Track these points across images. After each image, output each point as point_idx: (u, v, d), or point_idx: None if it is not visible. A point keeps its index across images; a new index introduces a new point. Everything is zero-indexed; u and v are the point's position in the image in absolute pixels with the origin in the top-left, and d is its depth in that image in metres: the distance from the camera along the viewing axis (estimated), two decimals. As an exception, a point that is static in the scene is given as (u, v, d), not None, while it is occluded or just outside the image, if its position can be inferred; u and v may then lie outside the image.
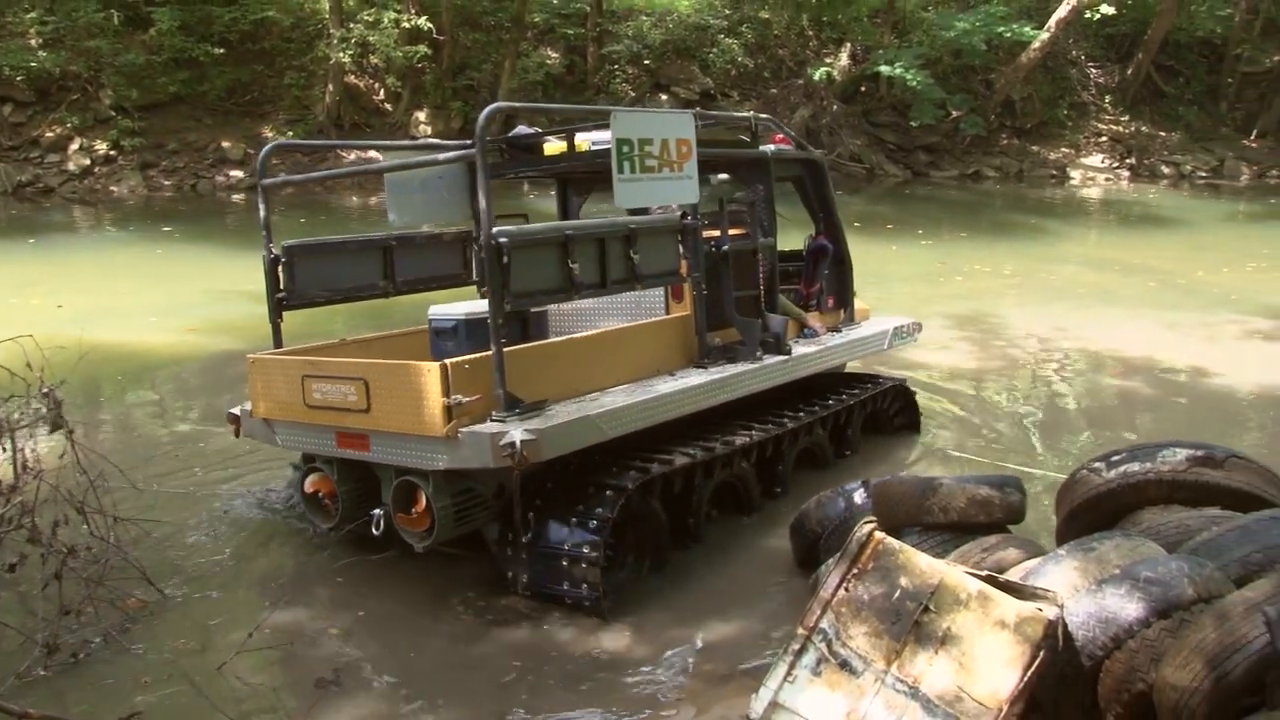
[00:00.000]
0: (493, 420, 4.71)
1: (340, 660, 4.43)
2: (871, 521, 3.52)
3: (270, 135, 24.56)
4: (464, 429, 4.64)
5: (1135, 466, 4.17)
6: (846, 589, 3.38)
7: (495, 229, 4.69)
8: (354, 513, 5.29)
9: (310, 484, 5.43)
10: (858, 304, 7.65)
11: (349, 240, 6.24)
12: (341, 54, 24.20)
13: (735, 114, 7.90)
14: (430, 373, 4.65)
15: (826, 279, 7.23)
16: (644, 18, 28.89)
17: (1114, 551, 3.57)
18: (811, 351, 6.60)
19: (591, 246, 5.15)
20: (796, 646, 3.34)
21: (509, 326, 5.29)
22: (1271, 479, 4.20)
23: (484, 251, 4.68)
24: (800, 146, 7.14)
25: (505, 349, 4.80)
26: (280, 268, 5.66)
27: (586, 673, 4.33)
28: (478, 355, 4.89)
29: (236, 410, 5.73)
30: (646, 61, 28.04)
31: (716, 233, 6.07)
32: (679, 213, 5.72)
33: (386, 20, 24.40)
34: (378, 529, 5.12)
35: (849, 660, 3.27)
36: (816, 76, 28.11)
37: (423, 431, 4.71)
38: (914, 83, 26.71)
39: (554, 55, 28.16)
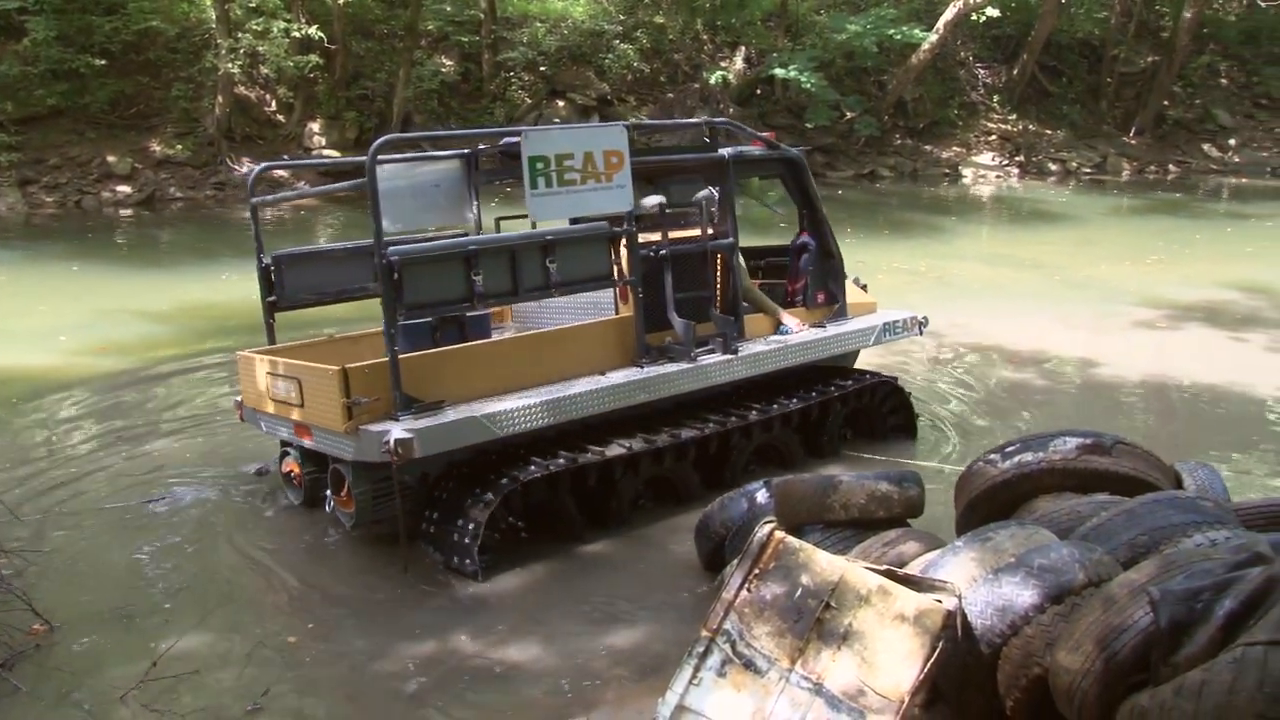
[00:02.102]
0: (390, 419, 5.18)
1: (244, 686, 4.31)
2: (771, 521, 3.54)
3: (158, 149, 23.89)
4: (363, 426, 5.14)
5: (1029, 456, 4.28)
6: (749, 589, 3.39)
7: (390, 247, 5.13)
8: (316, 492, 6.06)
9: (285, 465, 6.29)
10: (865, 297, 7.70)
11: (336, 248, 6.86)
12: (230, 64, 23.56)
13: (686, 120, 8.01)
14: (332, 375, 5.15)
15: (812, 274, 7.32)
16: (538, 24, 28.80)
17: (1009, 541, 3.64)
18: (763, 350, 6.61)
19: (501, 259, 5.51)
20: (701, 649, 3.35)
21: (445, 329, 5.96)
22: (1156, 463, 4.35)
23: (377, 268, 5.10)
24: (772, 147, 7.20)
25: (429, 351, 5.56)
26: (271, 274, 6.29)
27: (494, 683, 4.29)
28: (378, 360, 5.31)
29: (239, 398, 6.41)
30: (543, 68, 27.96)
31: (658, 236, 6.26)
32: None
33: (276, 29, 23.72)
34: (329, 507, 5.83)
35: (753, 660, 3.28)
36: (712, 80, 28.39)
37: (332, 427, 5.25)
38: (808, 85, 27.11)
39: (449, 63, 27.93)
